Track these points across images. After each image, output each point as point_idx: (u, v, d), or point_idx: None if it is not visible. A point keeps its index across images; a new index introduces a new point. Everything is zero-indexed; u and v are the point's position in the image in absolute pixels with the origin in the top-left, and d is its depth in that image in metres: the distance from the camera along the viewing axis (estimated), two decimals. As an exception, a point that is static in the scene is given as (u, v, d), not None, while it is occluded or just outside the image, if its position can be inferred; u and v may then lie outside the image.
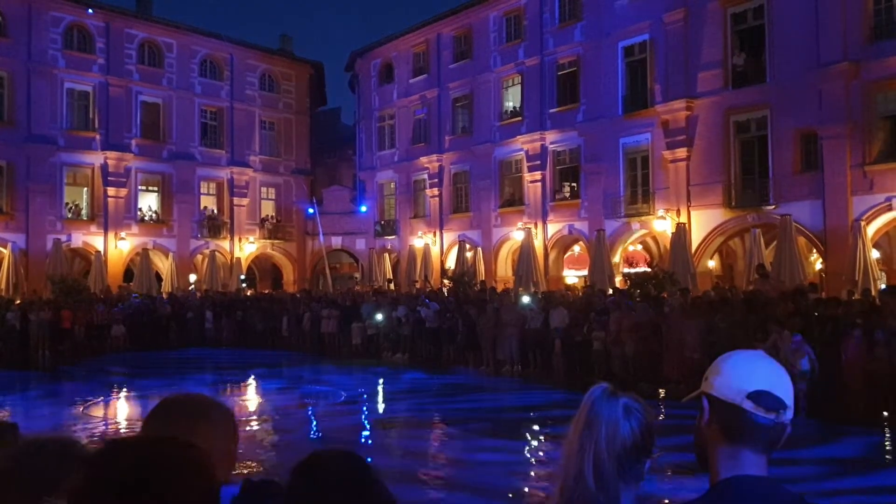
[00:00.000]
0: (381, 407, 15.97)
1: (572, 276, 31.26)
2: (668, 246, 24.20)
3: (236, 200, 38.34)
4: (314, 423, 13.97)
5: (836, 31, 21.83)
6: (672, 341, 15.68)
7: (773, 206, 22.96)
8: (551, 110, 30.74)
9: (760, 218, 23.40)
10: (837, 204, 21.66)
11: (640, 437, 1.84)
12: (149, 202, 36.19)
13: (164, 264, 34.53)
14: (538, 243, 29.74)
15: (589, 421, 1.85)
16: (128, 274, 33.86)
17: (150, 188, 36.29)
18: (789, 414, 1.69)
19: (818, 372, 12.34)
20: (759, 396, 1.67)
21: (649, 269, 25.07)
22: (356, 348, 23.91)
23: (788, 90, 22.76)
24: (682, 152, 25.65)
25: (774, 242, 21.36)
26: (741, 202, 24.33)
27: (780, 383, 1.71)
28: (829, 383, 12.63)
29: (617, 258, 27.38)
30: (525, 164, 31.79)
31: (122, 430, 13.09)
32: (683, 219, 25.04)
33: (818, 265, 24.20)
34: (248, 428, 12.65)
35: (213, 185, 38.32)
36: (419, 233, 36.17)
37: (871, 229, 21.01)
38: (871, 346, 12.71)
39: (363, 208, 40.12)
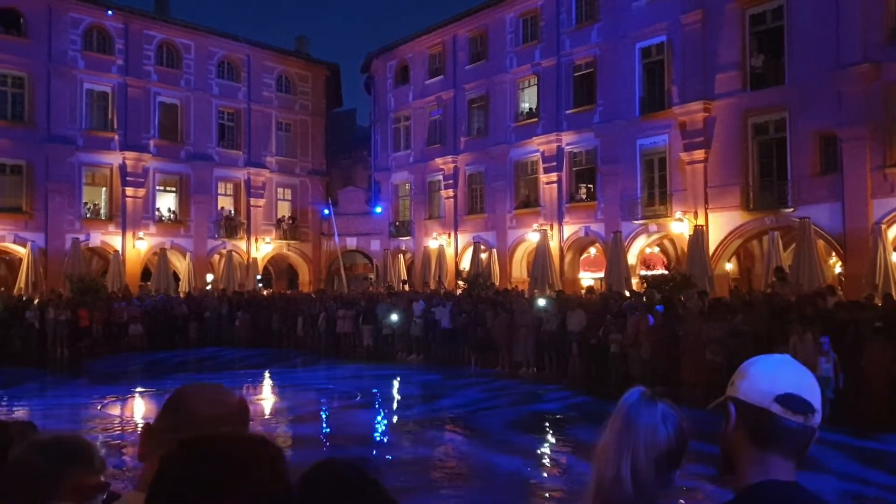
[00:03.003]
0: (395, 407, 15.97)
1: (588, 279, 31.13)
2: (685, 248, 24.09)
3: (253, 201, 38.50)
4: (328, 423, 13.99)
5: (856, 32, 21.63)
6: (690, 345, 15.57)
7: (792, 209, 22.79)
8: (567, 111, 30.65)
9: (779, 220, 23.22)
10: (857, 207, 21.44)
11: (676, 443, 1.82)
12: (167, 202, 36.41)
13: (181, 264, 34.71)
14: (554, 245, 29.63)
15: (626, 424, 1.83)
16: (145, 273, 34.08)
17: (168, 188, 36.51)
18: (818, 418, 1.67)
19: (842, 377, 12.23)
20: (787, 399, 1.65)
21: (666, 272, 24.94)
22: (369, 349, 23.99)
23: (807, 92, 22.55)
24: (699, 154, 25.50)
25: (793, 245, 21.18)
26: (759, 204, 24.15)
27: (807, 387, 1.69)
28: (851, 389, 12.50)
29: (633, 260, 27.25)
30: (541, 166, 31.71)
31: (139, 428, 13.13)
32: (701, 221, 24.90)
33: (837, 268, 23.99)
34: (263, 427, 12.67)
35: (230, 186, 38.50)
36: (434, 234, 36.15)
37: (892, 232, 20.77)
38: (893, 350, 12.56)
39: (378, 209, 40.14)
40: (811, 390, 1.69)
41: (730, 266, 26.34)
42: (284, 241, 39.76)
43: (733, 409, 1.72)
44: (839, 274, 23.53)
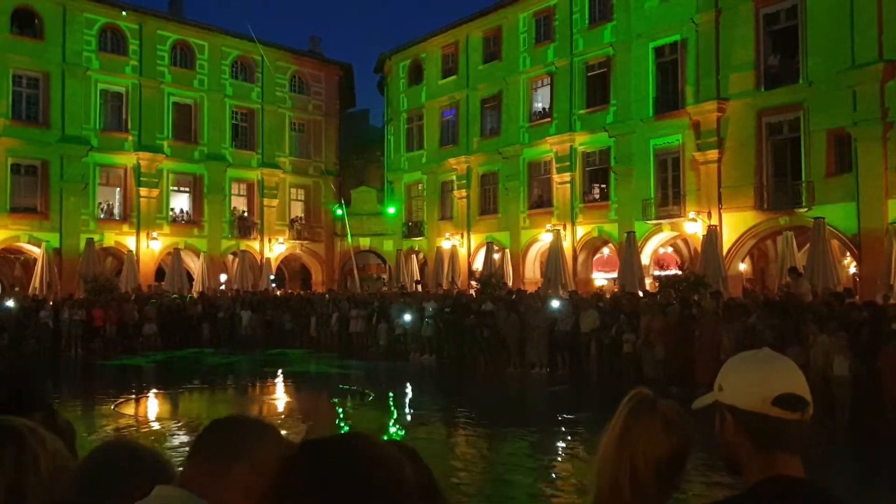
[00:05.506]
0: (406, 406, 15.95)
1: (601, 279, 31.03)
2: (699, 248, 23.98)
3: (266, 201, 38.63)
4: (341, 422, 13.98)
5: (871, 31, 21.46)
6: (704, 345, 15.47)
7: (806, 209, 22.63)
8: (581, 111, 30.56)
9: (793, 221, 23.07)
10: (872, 207, 21.26)
11: (678, 448, 1.78)
12: (180, 202, 36.58)
13: (195, 264, 34.86)
14: (567, 245, 29.52)
15: (626, 428, 1.79)
16: (159, 273, 34.24)
17: (182, 189, 36.67)
18: (810, 410, 1.65)
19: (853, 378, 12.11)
20: (783, 401, 1.63)
21: (680, 272, 24.83)
22: (382, 349, 24.00)
23: (822, 91, 22.41)
24: (713, 154, 25.36)
25: (807, 246, 21.03)
26: (773, 204, 24.00)
27: (797, 381, 1.67)
28: (867, 390, 12.38)
29: (647, 261, 27.12)
30: (554, 166, 31.63)
31: (152, 428, 13.21)
32: (714, 221, 24.76)
33: (852, 269, 23.80)
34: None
35: (243, 186, 38.64)
36: (447, 234, 36.11)
37: (908, 233, 20.57)
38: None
39: (391, 210, 40.16)
40: (801, 384, 1.67)
41: (743, 266, 26.18)
42: (297, 242, 39.85)
43: (730, 416, 1.68)
44: (854, 274, 23.35)
